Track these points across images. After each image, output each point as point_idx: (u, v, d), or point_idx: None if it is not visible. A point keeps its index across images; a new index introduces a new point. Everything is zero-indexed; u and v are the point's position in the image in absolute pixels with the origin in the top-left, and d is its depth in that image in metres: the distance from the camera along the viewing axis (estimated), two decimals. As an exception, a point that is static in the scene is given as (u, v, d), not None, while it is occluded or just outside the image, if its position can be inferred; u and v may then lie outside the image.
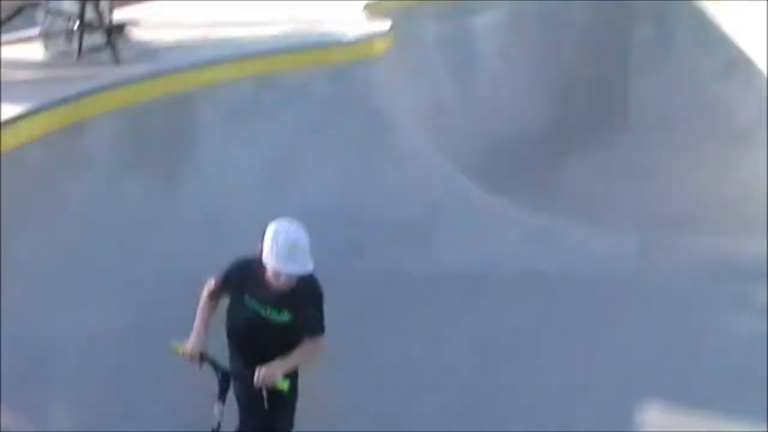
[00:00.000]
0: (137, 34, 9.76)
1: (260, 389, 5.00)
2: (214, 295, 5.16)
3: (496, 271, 7.67)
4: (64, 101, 7.81)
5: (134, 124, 8.11)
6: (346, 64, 9.16)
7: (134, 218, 7.62)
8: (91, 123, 7.88)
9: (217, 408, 5.03)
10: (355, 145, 8.80)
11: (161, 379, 6.13)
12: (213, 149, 8.39)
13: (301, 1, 10.47)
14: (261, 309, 4.98)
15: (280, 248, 4.77)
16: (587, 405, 6.22)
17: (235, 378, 5.11)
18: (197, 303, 5.16)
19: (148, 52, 9.40)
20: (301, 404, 5.36)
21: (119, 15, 9.71)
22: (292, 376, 5.05)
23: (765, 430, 5.80)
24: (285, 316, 4.96)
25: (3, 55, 9.29)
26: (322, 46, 9.31)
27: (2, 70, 8.86)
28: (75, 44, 9.32)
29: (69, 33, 9.41)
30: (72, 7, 9.29)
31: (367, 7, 10.15)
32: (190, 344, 5.08)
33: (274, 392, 5.00)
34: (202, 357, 5.07)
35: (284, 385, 4.89)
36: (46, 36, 9.68)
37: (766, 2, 10.36)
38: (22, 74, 9.11)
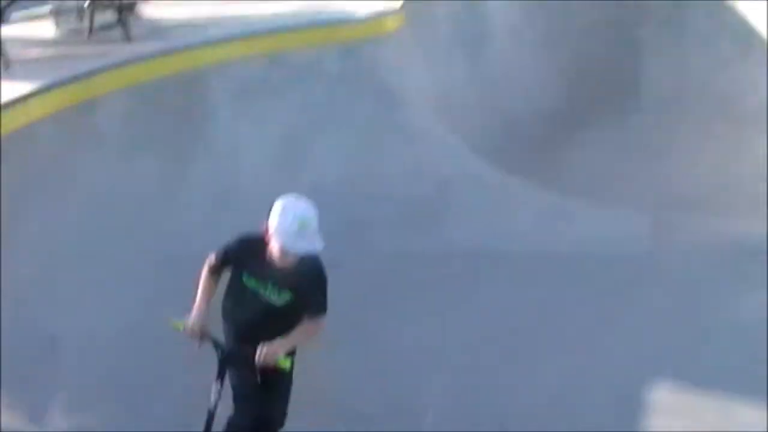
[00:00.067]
0: (148, 11, 9.75)
1: (257, 372, 4.91)
2: (215, 271, 5.04)
3: (507, 251, 7.63)
4: (75, 79, 7.83)
5: (145, 101, 8.12)
6: (357, 42, 9.14)
7: (144, 195, 7.63)
8: (102, 101, 7.90)
9: (214, 388, 4.94)
10: (365, 123, 8.79)
11: (172, 359, 6.11)
12: (223, 127, 8.39)
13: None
14: (260, 288, 4.88)
15: (289, 226, 4.66)
16: (597, 384, 6.20)
17: (232, 359, 4.97)
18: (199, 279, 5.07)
19: (159, 29, 9.41)
20: (305, 385, 5.37)
21: (130, -7, 9.70)
22: (291, 358, 4.95)
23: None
24: (285, 296, 4.88)
25: (14, 33, 9.30)
26: (333, 24, 9.28)
27: (14, 48, 8.86)
28: (86, 22, 9.33)
29: (80, 11, 9.43)
30: (83, -15, 9.31)
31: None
32: (192, 320, 4.95)
33: (273, 372, 4.90)
34: (203, 334, 4.96)
35: (286, 363, 4.82)
36: (57, 14, 9.70)
37: (766, 2, 10.38)
38: (33, 52, 9.13)
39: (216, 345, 5.00)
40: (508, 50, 11.18)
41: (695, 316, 6.85)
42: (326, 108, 8.71)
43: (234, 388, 5.04)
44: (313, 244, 4.70)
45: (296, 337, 4.91)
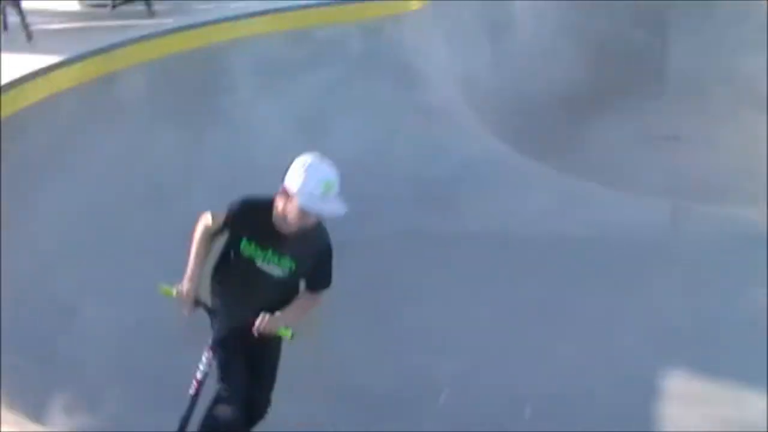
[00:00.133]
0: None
1: (250, 346, 4.67)
2: (212, 235, 4.73)
3: (523, 234, 7.62)
4: (98, 52, 7.83)
5: (166, 76, 8.12)
6: (380, 21, 9.10)
7: (164, 169, 7.64)
8: (124, 74, 7.90)
9: (206, 357, 4.64)
10: (385, 102, 8.77)
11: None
12: (243, 103, 8.39)
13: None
14: (260, 255, 4.63)
15: (314, 186, 4.42)
16: (609, 370, 6.18)
17: (228, 328, 4.66)
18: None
19: (182, 5, 9.40)
20: (313, 364, 5.34)
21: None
22: (279, 343, 4.78)
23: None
24: (286, 265, 4.63)
25: (39, 5, 9.33)
26: (356, 3, 9.25)
27: (37, 20, 8.90)
28: (110, -5, 9.36)
29: (104, -16, 9.45)
30: (107, -41, 9.32)
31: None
32: (185, 286, 4.64)
33: (264, 348, 4.72)
34: (196, 301, 4.66)
35: (287, 332, 4.57)
36: (81, -13, 9.73)
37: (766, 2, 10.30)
38: (56, 24, 9.16)
39: (210, 312, 4.74)
40: (532, 33, 11.14)
41: (709, 304, 6.83)
42: (347, 87, 8.70)
43: (221, 365, 4.72)
44: (339, 208, 4.49)
45: (295, 311, 4.68)
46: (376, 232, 7.35)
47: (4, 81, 7.00)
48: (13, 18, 8.74)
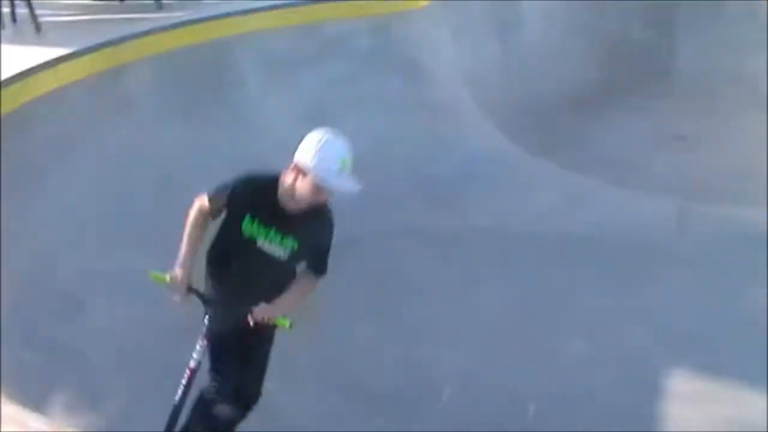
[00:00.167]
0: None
1: (245, 336, 4.53)
2: (210, 216, 4.55)
3: (529, 231, 7.62)
4: (106, 44, 7.84)
5: (174, 70, 8.13)
6: (389, 17, 9.10)
7: (171, 162, 7.65)
8: (132, 67, 7.91)
9: (199, 346, 4.52)
10: (392, 98, 8.76)
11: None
12: (250, 97, 8.40)
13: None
14: (261, 234, 4.47)
15: (331, 162, 4.32)
16: (612, 369, 6.18)
17: (223, 316, 4.52)
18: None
19: (191, -2, 9.42)
20: (320, 359, 5.31)
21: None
22: (271, 333, 4.68)
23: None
24: (288, 244, 4.47)
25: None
26: (365, -1, 9.27)
27: (47, 12, 8.92)
28: (119, -12, 9.38)
29: (113, -23, 9.47)
30: (116, -49, 9.34)
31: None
32: (178, 273, 4.47)
33: (258, 338, 4.60)
34: (189, 288, 4.49)
35: (285, 321, 4.43)
36: (90, -21, 9.74)
37: (765, 2, 10.29)
38: (65, 17, 9.17)
39: (204, 300, 4.59)
40: (540, 31, 11.14)
41: (716, 304, 6.82)
42: (354, 83, 8.70)
43: (214, 354, 4.62)
44: (352, 185, 4.38)
45: (292, 298, 4.53)
46: (381, 229, 7.36)
47: (13, 72, 7.01)
48: (22, 10, 8.76)
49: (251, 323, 4.43)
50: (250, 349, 4.72)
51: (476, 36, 10.40)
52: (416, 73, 9.01)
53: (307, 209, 4.42)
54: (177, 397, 4.46)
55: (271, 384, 5.01)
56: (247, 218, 4.47)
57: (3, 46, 7.72)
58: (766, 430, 5.59)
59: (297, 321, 4.48)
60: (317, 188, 4.34)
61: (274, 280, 4.58)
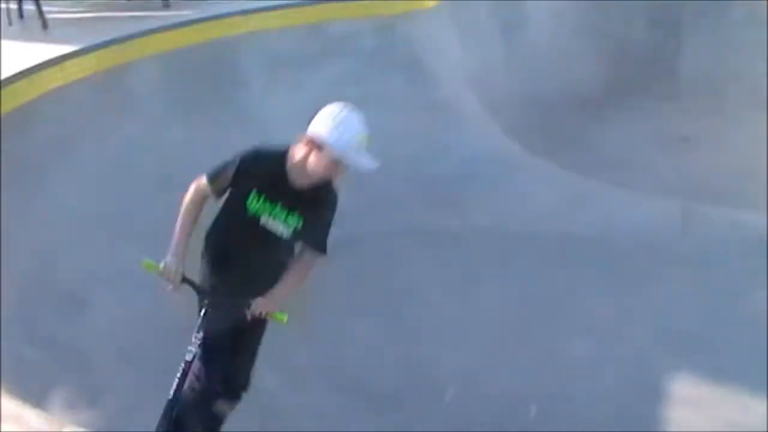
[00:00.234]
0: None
1: (240, 325, 4.42)
2: (210, 198, 4.45)
3: (531, 232, 7.60)
4: (112, 42, 7.87)
5: (180, 68, 8.16)
6: (394, 18, 9.11)
7: (175, 161, 7.65)
8: (138, 65, 7.93)
9: (195, 338, 4.39)
10: (397, 98, 8.76)
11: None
12: (255, 96, 8.41)
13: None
14: (267, 210, 4.35)
15: (351, 137, 4.22)
16: (614, 371, 6.16)
17: (219, 307, 4.39)
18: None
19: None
20: (321, 358, 5.28)
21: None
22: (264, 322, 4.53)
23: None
24: (292, 221, 4.37)
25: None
26: (372, -1, 9.28)
27: (54, 8, 8.95)
28: (125, -14, 9.41)
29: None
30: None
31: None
32: (172, 262, 4.32)
33: (250, 329, 4.49)
34: (183, 278, 4.35)
35: (284, 316, 4.34)
36: (97, -24, 9.77)
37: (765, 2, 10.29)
38: (72, 14, 9.20)
39: (199, 290, 4.46)
40: (546, 33, 11.15)
41: (719, 306, 6.80)
42: (358, 82, 8.70)
43: (206, 343, 4.45)
44: (369, 162, 4.27)
45: (289, 284, 4.40)
46: (381, 229, 7.35)
47: (19, 68, 7.04)
48: (29, 6, 8.79)
49: (248, 318, 4.36)
50: (242, 340, 4.63)
51: (481, 36, 10.40)
52: (420, 73, 9.01)
53: (313, 185, 4.32)
54: (172, 390, 4.39)
55: (271, 383, 5.03)
56: (254, 194, 4.35)
57: (10, 42, 7.77)
58: (766, 432, 5.61)
59: (289, 317, 4.43)
60: (334, 163, 4.25)
61: (274, 259, 4.49)
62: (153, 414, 4.52)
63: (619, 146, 9.82)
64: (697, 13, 11.30)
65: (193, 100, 8.06)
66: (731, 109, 10.33)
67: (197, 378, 4.57)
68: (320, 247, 4.42)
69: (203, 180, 4.46)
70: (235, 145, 7.88)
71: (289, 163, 4.33)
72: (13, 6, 8.84)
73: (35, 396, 4.51)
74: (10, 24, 8.70)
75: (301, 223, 4.38)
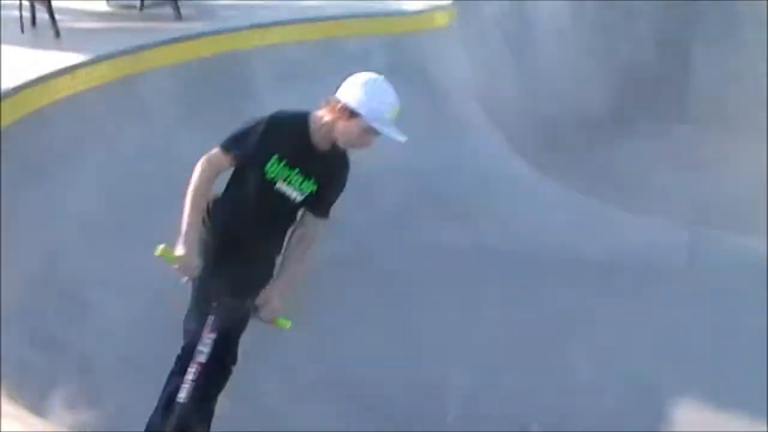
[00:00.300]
0: (200, -9, 9.84)
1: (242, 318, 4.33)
2: (224, 169, 4.37)
3: (540, 253, 7.57)
4: (123, 53, 7.89)
5: (191, 80, 8.16)
6: (405, 35, 9.13)
7: (184, 170, 7.63)
8: (149, 76, 7.95)
9: (208, 338, 4.33)
10: (407, 115, 8.73)
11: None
12: (266, 110, 8.38)
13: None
14: (286, 174, 4.28)
15: (386, 108, 4.23)
16: (619, 392, 6.16)
17: (224, 308, 4.28)
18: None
19: (210, 10, 9.47)
20: (327, 368, 5.23)
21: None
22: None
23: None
24: (307, 188, 4.32)
25: (68, 4, 9.43)
26: (383, 16, 9.28)
27: (66, 18, 9.00)
28: (138, -2, 9.46)
29: (132, -14, 9.56)
30: (136, -39, 9.43)
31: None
32: (189, 253, 4.17)
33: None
34: (198, 268, 4.24)
35: (287, 323, 4.32)
36: (110, -12, 9.83)
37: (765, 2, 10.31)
38: (84, 23, 9.24)
39: (209, 290, 4.37)
40: (555, 54, 11.16)
41: (726, 330, 6.77)
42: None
43: (216, 343, 4.35)
44: (400, 134, 4.25)
45: (300, 270, 4.38)
46: (392, 244, 7.34)
47: (31, 76, 7.06)
48: (42, 15, 8.84)
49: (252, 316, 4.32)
50: (237, 325, 4.49)
51: (493, 57, 10.41)
52: (431, 92, 9.00)
53: (333, 151, 4.31)
54: (184, 393, 4.29)
55: (273, 396, 5.01)
56: (274, 159, 4.28)
57: (22, 49, 7.81)
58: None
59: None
60: (366, 132, 4.24)
61: (281, 223, 4.44)
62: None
63: (629, 169, 9.82)
64: (706, 34, 11.32)
65: (203, 113, 8.06)
66: (740, 134, 10.32)
67: (205, 377, 4.45)
68: (327, 212, 4.42)
69: (216, 151, 4.39)
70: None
71: (312, 126, 4.32)
72: (26, 14, 8.88)
73: (36, 396, 4.52)
74: (22, 32, 8.74)
75: (315, 189, 4.34)
